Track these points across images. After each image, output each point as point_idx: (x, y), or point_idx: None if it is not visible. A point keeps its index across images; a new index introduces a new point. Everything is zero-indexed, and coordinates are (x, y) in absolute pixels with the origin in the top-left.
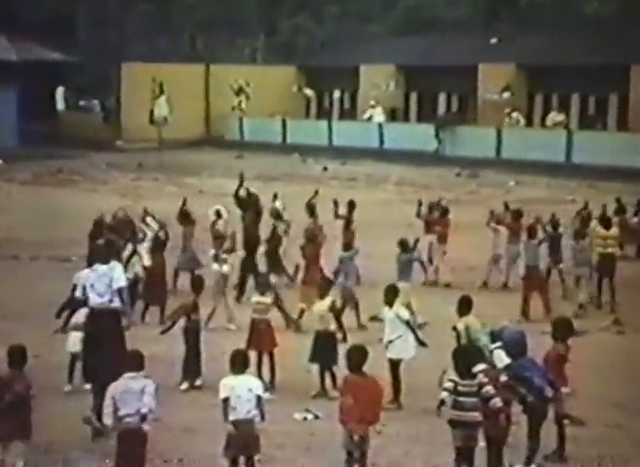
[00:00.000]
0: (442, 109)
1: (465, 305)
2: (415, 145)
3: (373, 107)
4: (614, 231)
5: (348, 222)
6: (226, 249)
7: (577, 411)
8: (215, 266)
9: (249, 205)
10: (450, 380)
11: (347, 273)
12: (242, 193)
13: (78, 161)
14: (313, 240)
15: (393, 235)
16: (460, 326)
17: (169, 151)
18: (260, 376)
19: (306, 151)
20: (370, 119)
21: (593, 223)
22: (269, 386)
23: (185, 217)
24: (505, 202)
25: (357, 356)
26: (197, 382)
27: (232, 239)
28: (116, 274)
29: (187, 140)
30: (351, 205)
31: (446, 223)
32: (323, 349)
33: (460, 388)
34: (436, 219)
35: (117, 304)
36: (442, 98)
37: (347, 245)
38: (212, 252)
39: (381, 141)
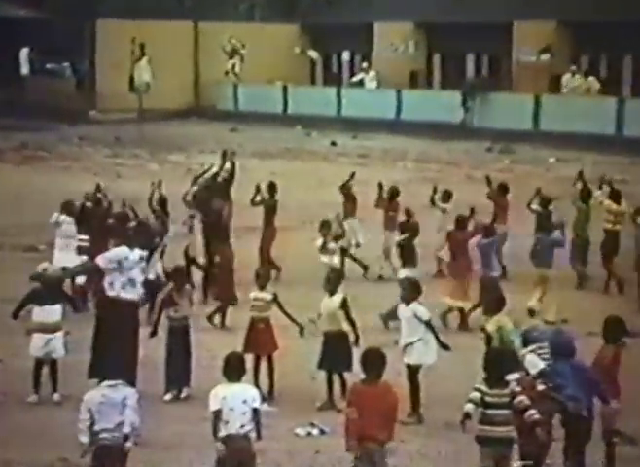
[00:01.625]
0: (469, 73)
1: (495, 303)
2: (439, 115)
3: (364, 71)
4: (624, 206)
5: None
6: (335, 236)
7: (628, 426)
8: (324, 258)
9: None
10: (477, 390)
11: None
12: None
13: (45, 134)
14: (463, 226)
15: (420, 217)
16: (491, 327)
17: (152, 123)
18: (257, 384)
19: (311, 123)
20: (360, 83)
21: (597, 193)
22: (268, 396)
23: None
24: (486, 177)
25: (372, 361)
26: (183, 393)
27: (340, 224)
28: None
29: (172, 110)
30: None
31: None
32: (334, 353)
33: (488, 399)
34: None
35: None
36: (470, 61)
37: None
38: (320, 241)
39: (398, 111)
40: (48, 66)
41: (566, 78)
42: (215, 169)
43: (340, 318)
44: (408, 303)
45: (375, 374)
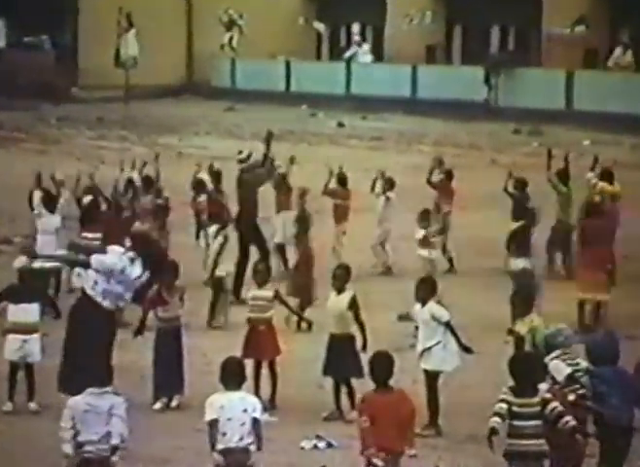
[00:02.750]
0: (494, 47)
1: (525, 302)
2: (459, 93)
3: (357, 44)
4: (617, 187)
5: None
6: (435, 230)
7: None
8: (423, 251)
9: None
10: (503, 401)
11: None
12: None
13: (21, 113)
14: (598, 213)
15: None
16: (523, 328)
17: (140, 101)
18: (257, 392)
19: (317, 102)
20: (351, 58)
21: (590, 175)
22: (269, 405)
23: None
24: (438, 159)
25: (380, 367)
26: (174, 402)
27: (443, 219)
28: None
29: (162, 87)
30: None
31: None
32: (340, 358)
33: (516, 409)
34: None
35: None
36: (494, 33)
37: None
38: (421, 233)
39: (414, 89)
40: (25, 39)
41: (617, 53)
42: (253, 159)
43: (349, 320)
44: (423, 302)
45: (384, 379)
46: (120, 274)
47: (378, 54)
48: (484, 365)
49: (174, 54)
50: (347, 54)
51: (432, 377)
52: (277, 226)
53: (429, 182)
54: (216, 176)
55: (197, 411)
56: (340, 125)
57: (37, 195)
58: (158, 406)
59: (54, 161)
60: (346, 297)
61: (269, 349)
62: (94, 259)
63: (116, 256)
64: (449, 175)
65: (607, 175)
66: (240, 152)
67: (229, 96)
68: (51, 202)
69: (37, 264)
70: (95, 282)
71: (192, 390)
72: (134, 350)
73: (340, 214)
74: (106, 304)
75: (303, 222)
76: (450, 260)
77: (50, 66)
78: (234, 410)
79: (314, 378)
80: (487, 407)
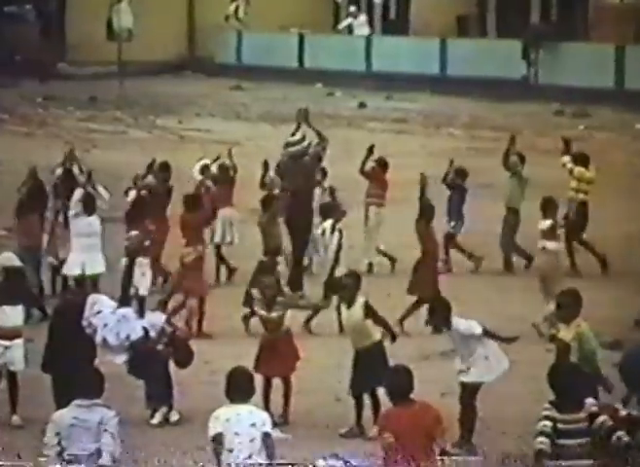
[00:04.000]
0: (534, 18)
1: (572, 304)
2: (494, 70)
3: (353, 16)
4: (592, 171)
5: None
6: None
7: None
8: (549, 243)
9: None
10: (546, 418)
11: None
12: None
13: (3, 91)
14: None
15: (468, 203)
16: (568, 335)
17: (135, 79)
18: (267, 405)
19: (334, 80)
20: (349, 31)
21: (565, 159)
22: (281, 420)
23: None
24: (371, 146)
25: (398, 382)
26: (173, 417)
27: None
28: None
29: (160, 63)
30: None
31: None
32: (369, 370)
33: (561, 426)
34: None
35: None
36: (535, 2)
37: None
38: (547, 223)
39: (443, 65)
40: (6, 9)
41: None
42: (307, 141)
43: (369, 329)
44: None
45: (404, 394)
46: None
47: (404, 27)
48: (523, 375)
49: (173, 26)
50: (341, 26)
51: (471, 391)
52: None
53: (362, 172)
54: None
55: (200, 426)
56: (361, 105)
57: (78, 193)
58: (155, 420)
59: (40, 145)
60: (358, 308)
61: (286, 364)
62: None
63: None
64: (383, 164)
65: (582, 159)
66: (293, 133)
67: (235, 74)
68: (91, 202)
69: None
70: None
71: (193, 403)
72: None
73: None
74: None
75: (428, 211)
76: (471, 257)
77: (34, 39)
78: (242, 423)
79: (331, 389)
80: (524, 422)
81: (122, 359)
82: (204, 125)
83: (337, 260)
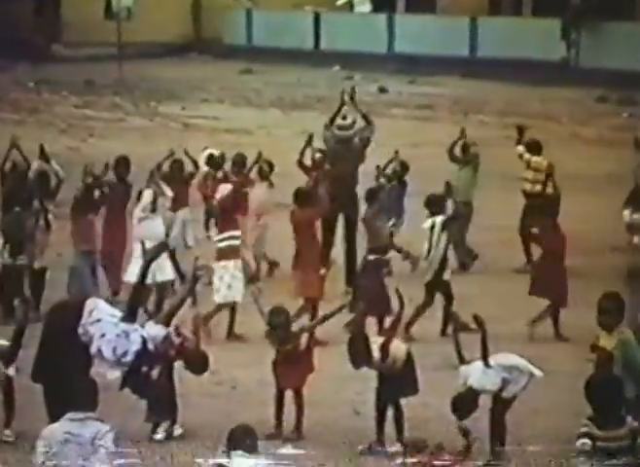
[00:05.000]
0: None
1: (615, 309)
2: (530, 51)
3: None
4: (544, 160)
5: None
6: None
7: None
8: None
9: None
10: (585, 435)
11: None
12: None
13: None
14: None
15: (503, 197)
16: (610, 343)
17: (136, 62)
18: (280, 418)
19: (352, 62)
20: (350, 7)
21: (520, 148)
22: (294, 435)
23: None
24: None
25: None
26: (177, 431)
27: None
28: None
29: (163, 45)
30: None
31: None
32: (395, 381)
33: (601, 444)
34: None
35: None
36: None
37: None
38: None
39: (473, 46)
40: None
41: None
42: (357, 125)
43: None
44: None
45: None
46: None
47: (430, 4)
48: (559, 387)
49: (177, 4)
50: (339, 2)
51: (504, 404)
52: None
53: (300, 164)
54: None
55: (204, 441)
56: (382, 90)
57: (148, 194)
58: (159, 436)
59: (32, 133)
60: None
61: (299, 376)
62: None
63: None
64: (323, 153)
65: (534, 147)
66: (344, 117)
67: (244, 56)
68: (156, 201)
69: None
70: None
71: (197, 416)
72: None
73: None
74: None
75: (554, 204)
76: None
77: (26, 18)
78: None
79: (349, 401)
80: (559, 438)
81: (114, 375)
82: (211, 111)
83: (445, 259)
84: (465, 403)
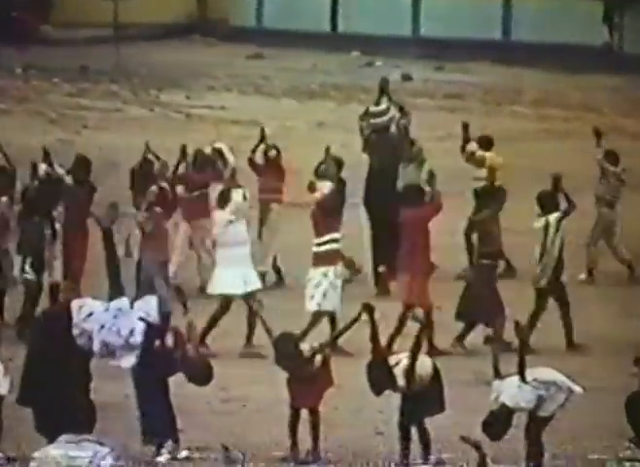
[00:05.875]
0: None
1: None
2: (570, 35)
3: None
4: (497, 156)
5: None
6: None
7: None
8: None
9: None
10: (628, 460)
11: None
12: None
13: None
14: None
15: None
16: None
17: (134, 45)
18: (295, 439)
19: (374, 47)
20: None
21: (473, 145)
22: (311, 457)
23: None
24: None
25: None
26: (182, 452)
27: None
28: None
29: (165, 26)
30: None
31: None
32: (422, 396)
33: None
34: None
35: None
36: None
37: None
38: None
39: (507, 29)
40: None
41: None
42: (392, 112)
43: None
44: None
45: None
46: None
47: None
48: (603, 404)
49: None
50: None
51: (540, 423)
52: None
53: (251, 162)
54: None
55: (211, 464)
56: (406, 78)
57: (237, 194)
58: (163, 458)
59: (20, 124)
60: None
61: (310, 395)
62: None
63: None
64: (277, 150)
65: (486, 143)
66: (377, 103)
67: (254, 39)
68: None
69: None
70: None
71: (205, 436)
72: (124, 381)
73: None
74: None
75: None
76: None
77: None
78: None
79: (371, 420)
80: (600, 461)
81: (130, 361)
82: (217, 101)
83: (561, 261)
84: (497, 421)
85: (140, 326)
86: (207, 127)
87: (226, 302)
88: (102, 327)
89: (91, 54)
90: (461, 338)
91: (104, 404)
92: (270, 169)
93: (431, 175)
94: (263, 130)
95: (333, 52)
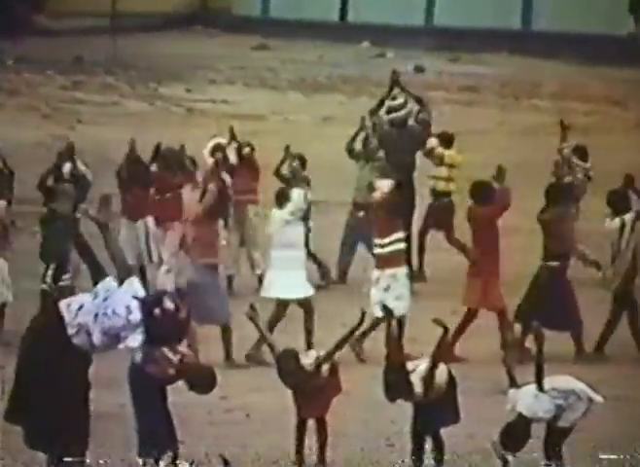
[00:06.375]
0: None
1: None
2: (593, 25)
3: None
4: (456, 154)
5: None
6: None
7: None
8: None
9: None
10: None
11: None
12: None
13: None
14: None
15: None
16: None
17: (132, 35)
18: (301, 451)
19: (385, 37)
20: None
21: (433, 141)
22: None
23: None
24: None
25: None
26: (182, 465)
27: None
28: None
29: (165, 15)
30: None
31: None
32: (436, 405)
33: None
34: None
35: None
36: None
37: None
38: None
39: (526, 18)
40: None
41: None
42: (410, 106)
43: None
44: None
45: None
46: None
47: None
48: (622, 414)
49: None
50: None
51: (560, 435)
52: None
53: (223, 161)
54: None
55: None
56: (419, 69)
57: (297, 193)
58: (164, 465)
59: (10, 119)
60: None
61: (317, 404)
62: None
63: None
64: (252, 147)
65: (447, 140)
66: (394, 97)
67: (259, 29)
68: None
69: None
70: (68, 305)
71: (206, 448)
72: (120, 389)
73: None
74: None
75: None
76: None
77: None
78: None
79: (382, 430)
80: None
81: (137, 339)
82: (220, 94)
83: (635, 264)
84: (514, 432)
85: (135, 303)
86: (209, 122)
87: (283, 306)
88: (96, 315)
89: (87, 45)
90: (522, 342)
91: (99, 414)
92: (244, 168)
93: (500, 171)
94: (232, 129)
95: (342, 42)
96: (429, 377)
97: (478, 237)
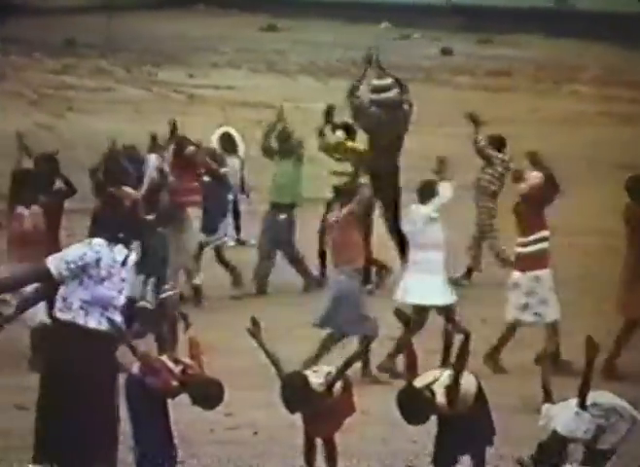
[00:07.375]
0: None
1: None
2: (635, 4)
3: None
4: (356, 142)
5: None
6: None
7: None
8: None
9: None
10: None
11: None
12: None
13: None
14: None
15: (609, 193)
16: None
17: (128, 14)
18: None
19: (408, 17)
20: None
21: (339, 133)
22: None
23: None
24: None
25: None
26: None
27: None
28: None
29: None
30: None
31: None
32: (462, 429)
33: None
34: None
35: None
36: None
37: None
38: None
39: None
40: None
41: None
42: (388, 80)
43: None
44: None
45: None
46: (96, 268)
47: None
48: None
49: None
50: None
51: (601, 457)
52: None
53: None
54: None
55: None
56: (445, 52)
57: (446, 185)
58: None
59: None
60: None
61: (327, 424)
62: (51, 261)
63: (81, 245)
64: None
65: (352, 131)
66: (380, 77)
67: (266, 8)
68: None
69: None
70: (64, 299)
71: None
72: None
73: None
74: (93, 324)
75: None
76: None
77: None
78: None
79: (401, 451)
80: None
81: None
82: (224, 79)
83: None
84: (548, 452)
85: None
86: (212, 110)
87: (424, 313)
88: (103, 280)
89: (79, 25)
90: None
91: None
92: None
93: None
94: (174, 123)
95: (358, 23)
96: (454, 386)
97: (636, 238)
